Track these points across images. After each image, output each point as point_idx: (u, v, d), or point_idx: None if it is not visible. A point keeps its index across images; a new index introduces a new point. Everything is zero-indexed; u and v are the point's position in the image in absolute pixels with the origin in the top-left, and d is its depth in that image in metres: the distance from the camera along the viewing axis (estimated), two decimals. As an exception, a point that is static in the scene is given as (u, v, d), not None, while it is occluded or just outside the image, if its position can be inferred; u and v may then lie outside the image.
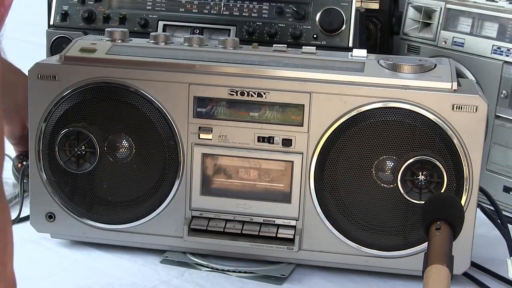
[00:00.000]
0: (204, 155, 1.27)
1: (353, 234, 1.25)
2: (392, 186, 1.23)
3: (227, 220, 1.28)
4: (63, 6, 1.65)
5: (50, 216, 1.31)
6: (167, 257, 1.29)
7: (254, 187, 1.27)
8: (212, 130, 1.26)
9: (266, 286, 1.24)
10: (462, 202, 1.22)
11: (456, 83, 1.22)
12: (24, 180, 1.46)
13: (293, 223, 1.27)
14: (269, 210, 1.27)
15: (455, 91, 1.22)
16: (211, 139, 1.26)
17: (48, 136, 1.28)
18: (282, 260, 1.29)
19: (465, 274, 1.26)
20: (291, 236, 1.26)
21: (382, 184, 1.23)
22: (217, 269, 1.27)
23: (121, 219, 1.30)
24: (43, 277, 1.23)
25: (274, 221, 1.27)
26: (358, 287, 1.25)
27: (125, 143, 1.28)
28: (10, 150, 1.69)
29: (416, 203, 1.22)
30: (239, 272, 1.26)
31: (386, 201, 1.23)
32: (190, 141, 1.27)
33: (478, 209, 1.26)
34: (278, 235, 1.26)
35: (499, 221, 1.31)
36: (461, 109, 1.21)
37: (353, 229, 1.25)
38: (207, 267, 1.27)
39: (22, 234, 1.37)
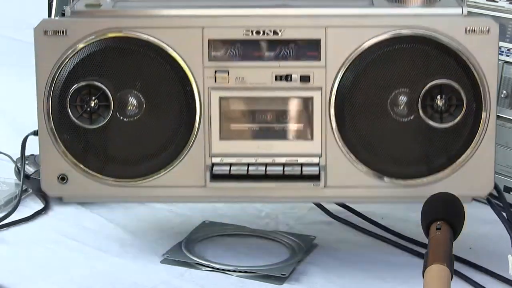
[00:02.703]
0: (222, 99, 1.25)
1: (377, 166, 1.24)
2: (412, 116, 1.23)
3: (249, 164, 1.25)
4: (63, 6, 1.65)
5: (63, 178, 1.26)
6: (167, 257, 1.29)
7: (274, 128, 1.26)
8: (228, 73, 1.25)
9: (266, 286, 1.24)
10: (482, 121, 1.23)
11: (466, 8, 1.23)
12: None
13: (316, 160, 1.25)
14: (291, 149, 1.25)
15: (465, 16, 1.23)
16: (228, 82, 1.25)
17: (58, 93, 1.24)
18: (308, 201, 1.28)
19: (463, 276, 1.26)
20: (316, 173, 1.24)
21: (402, 114, 1.23)
22: (217, 269, 1.27)
23: (139, 173, 1.26)
24: (43, 277, 1.23)
25: (297, 160, 1.25)
26: (357, 287, 1.25)
27: (139, 94, 1.25)
28: (11, 150, 1.69)
29: (438, 128, 1.22)
30: (239, 271, 1.26)
31: (407, 131, 1.23)
32: (207, 86, 1.24)
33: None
34: (303, 173, 1.24)
35: (504, 214, 1.30)
36: (473, 31, 1.22)
37: (377, 161, 1.24)
38: (208, 267, 1.27)
39: (22, 234, 1.37)
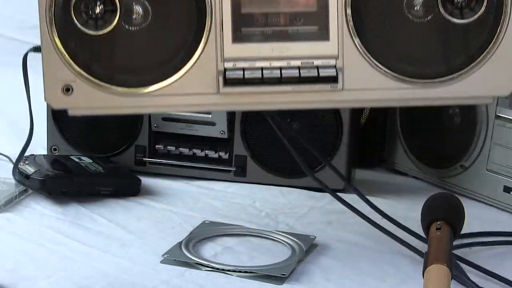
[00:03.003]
0: (233, 1, 1.21)
1: (396, 67, 1.21)
2: (431, 14, 1.19)
3: (263, 68, 1.21)
4: None
5: (68, 89, 1.21)
6: (167, 257, 1.29)
7: (288, 30, 1.22)
8: None
9: (266, 286, 1.24)
10: (504, 16, 1.19)
11: None
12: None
13: (332, 62, 1.21)
14: (307, 51, 1.22)
15: None
16: None
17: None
18: (324, 105, 1.24)
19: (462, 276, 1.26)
20: (334, 74, 1.20)
21: (420, 13, 1.20)
22: (217, 269, 1.27)
23: (148, 82, 1.21)
24: (43, 277, 1.23)
25: (313, 63, 1.22)
26: (357, 287, 1.25)
27: (144, 1, 1.20)
28: (11, 150, 1.69)
29: (458, 24, 1.19)
30: (239, 271, 1.26)
31: (426, 30, 1.20)
32: None
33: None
34: (320, 75, 1.20)
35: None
36: None
37: (395, 62, 1.21)
38: (208, 267, 1.27)
39: (22, 234, 1.37)
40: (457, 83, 1.21)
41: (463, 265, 1.24)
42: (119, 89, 1.21)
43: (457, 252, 1.28)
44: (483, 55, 1.19)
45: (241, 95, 1.21)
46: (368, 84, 1.21)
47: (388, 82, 1.21)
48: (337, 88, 1.20)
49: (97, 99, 1.21)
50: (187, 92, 1.21)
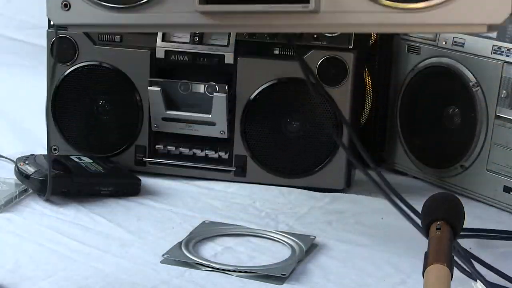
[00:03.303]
0: None
1: None
2: None
3: None
4: None
5: (66, 5, 1.30)
6: (167, 257, 1.29)
7: None
8: None
9: (266, 286, 1.24)
10: None
11: None
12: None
13: None
14: None
15: None
16: None
17: None
18: (301, 30, 1.22)
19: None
20: None
21: None
22: (217, 269, 1.27)
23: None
24: (43, 277, 1.23)
25: None
26: (357, 287, 1.25)
27: None
28: (12, 150, 1.69)
29: None
30: (239, 271, 1.26)
31: None
32: None
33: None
34: None
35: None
36: None
37: None
38: (208, 267, 1.27)
39: (22, 234, 1.37)
40: (444, 7, 1.12)
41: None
42: (110, 5, 1.26)
43: (464, 241, 1.26)
44: None
45: (216, 16, 1.22)
46: (346, 7, 1.16)
47: (368, 5, 1.15)
48: (310, 8, 1.17)
49: (92, 16, 1.28)
50: (170, 11, 1.24)
